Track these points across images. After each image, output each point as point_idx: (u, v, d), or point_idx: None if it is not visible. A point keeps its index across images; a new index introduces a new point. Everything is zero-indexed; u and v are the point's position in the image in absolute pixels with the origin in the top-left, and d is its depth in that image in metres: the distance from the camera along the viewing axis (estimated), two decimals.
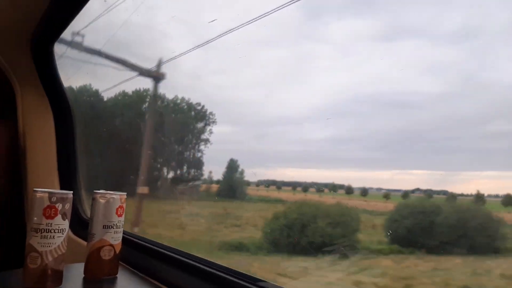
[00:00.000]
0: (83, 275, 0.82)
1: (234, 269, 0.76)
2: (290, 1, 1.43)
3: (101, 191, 0.85)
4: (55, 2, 1.05)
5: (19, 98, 1.31)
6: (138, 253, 0.93)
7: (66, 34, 1.27)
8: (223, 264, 0.78)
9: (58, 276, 0.75)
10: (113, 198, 0.84)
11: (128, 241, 0.94)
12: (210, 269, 0.76)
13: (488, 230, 1.13)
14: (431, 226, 1.25)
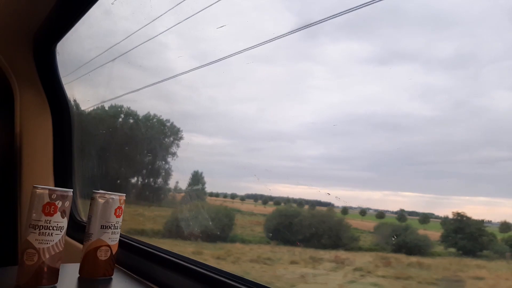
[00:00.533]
0: (78, 275, 0.81)
1: (227, 271, 0.76)
2: (292, 31, 1.47)
3: (100, 191, 0.85)
4: (60, 3, 1.07)
5: (17, 97, 1.30)
6: (133, 255, 0.93)
7: (69, 36, 1.28)
8: (218, 268, 0.79)
9: (54, 274, 0.74)
10: (112, 198, 0.84)
11: (123, 243, 0.93)
12: (205, 271, 0.76)
13: (333, 231, 1.57)
14: (290, 226, 1.70)
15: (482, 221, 1.27)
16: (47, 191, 0.73)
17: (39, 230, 0.72)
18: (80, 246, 1.04)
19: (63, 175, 1.25)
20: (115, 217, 0.83)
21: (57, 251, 0.74)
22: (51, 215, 0.73)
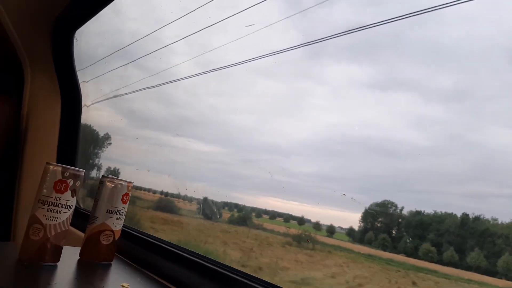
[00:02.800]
0: (79, 257, 0.81)
1: (224, 263, 0.77)
2: (296, 46, 1.53)
3: (110, 175, 0.85)
4: None
5: (28, 78, 1.31)
6: (133, 244, 0.93)
7: (89, 23, 1.30)
8: (216, 260, 0.80)
9: (58, 252, 0.74)
10: (121, 184, 0.85)
11: (123, 232, 0.93)
12: (204, 262, 0.77)
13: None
14: None
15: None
16: (60, 168, 0.74)
17: (48, 206, 0.73)
18: (80, 233, 1.04)
19: (66, 162, 1.25)
20: (122, 203, 0.84)
21: (63, 229, 0.74)
22: (62, 192, 0.74)
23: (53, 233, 0.73)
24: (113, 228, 0.83)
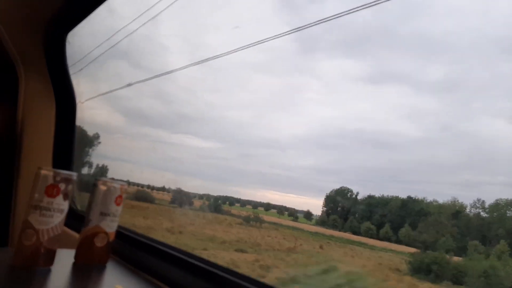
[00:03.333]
0: (73, 260, 0.81)
1: (221, 265, 0.78)
2: (286, 32, 1.52)
3: (103, 178, 0.86)
4: None
5: (22, 83, 1.31)
6: (128, 245, 0.93)
7: (81, 26, 1.29)
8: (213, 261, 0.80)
9: (51, 256, 0.74)
10: (114, 187, 0.85)
11: (118, 233, 0.93)
12: (199, 264, 0.77)
13: None
14: None
15: None
16: (51, 173, 0.74)
17: (40, 211, 0.73)
18: (75, 234, 1.04)
19: (62, 164, 1.25)
20: (115, 205, 0.84)
21: (56, 233, 0.75)
22: (54, 197, 0.74)
23: (46, 237, 0.73)
24: (107, 230, 0.83)
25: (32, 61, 1.33)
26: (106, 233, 0.83)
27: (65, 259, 0.80)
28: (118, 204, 0.85)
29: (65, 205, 0.76)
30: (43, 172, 0.75)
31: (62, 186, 0.75)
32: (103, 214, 0.83)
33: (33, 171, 1.20)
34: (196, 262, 0.78)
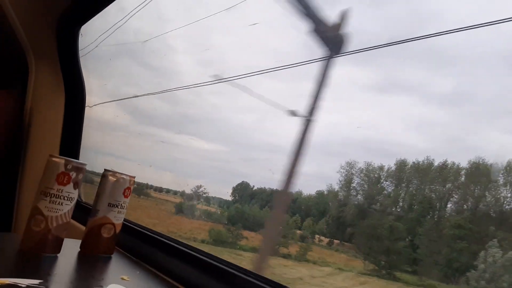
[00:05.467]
0: (79, 249, 0.81)
1: (224, 259, 0.78)
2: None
3: (112, 169, 0.86)
4: None
5: (32, 71, 1.31)
6: (133, 238, 0.93)
7: (94, 19, 1.30)
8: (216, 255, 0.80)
9: (58, 243, 0.74)
10: (123, 178, 0.85)
11: (124, 226, 0.94)
12: (203, 257, 0.77)
13: None
14: None
15: None
16: (63, 161, 0.75)
17: (50, 198, 0.73)
18: (81, 226, 1.04)
19: (69, 154, 1.25)
20: (123, 197, 0.84)
21: (64, 221, 0.75)
22: (64, 184, 0.74)
23: (54, 224, 0.73)
24: (114, 221, 0.83)
25: (44, 52, 1.34)
26: (113, 224, 0.83)
27: (71, 248, 0.80)
28: (126, 196, 0.85)
29: (75, 194, 0.76)
30: (55, 159, 0.75)
31: (73, 174, 0.75)
32: (111, 205, 0.83)
33: (39, 160, 1.21)
34: (200, 256, 0.78)
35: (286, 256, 3.98)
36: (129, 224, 0.98)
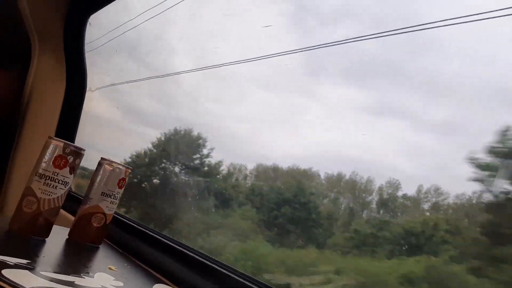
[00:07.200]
0: (67, 237, 0.80)
1: (217, 259, 0.78)
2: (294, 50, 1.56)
3: (108, 158, 0.85)
4: None
5: (36, 54, 1.30)
6: (122, 231, 0.92)
7: (104, 10, 1.31)
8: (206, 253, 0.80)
9: (48, 227, 0.73)
10: (119, 168, 0.84)
11: (113, 218, 0.93)
12: (193, 255, 0.77)
13: None
14: None
15: None
16: (62, 144, 0.74)
17: (45, 180, 0.72)
18: (69, 215, 1.03)
19: (64, 139, 1.24)
20: (118, 187, 0.84)
21: (57, 205, 0.74)
22: (61, 168, 0.74)
23: (46, 207, 0.72)
24: (106, 211, 0.82)
25: (49, 36, 1.33)
26: (104, 214, 0.82)
27: (59, 235, 0.79)
28: (120, 187, 0.84)
29: (70, 179, 0.75)
30: (53, 142, 0.74)
31: (70, 159, 0.75)
32: (104, 195, 0.82)
33: (34, 141, 1.19)
34: (188, 252, 0.78)
35: None
36: (118, 217, 0.97)
